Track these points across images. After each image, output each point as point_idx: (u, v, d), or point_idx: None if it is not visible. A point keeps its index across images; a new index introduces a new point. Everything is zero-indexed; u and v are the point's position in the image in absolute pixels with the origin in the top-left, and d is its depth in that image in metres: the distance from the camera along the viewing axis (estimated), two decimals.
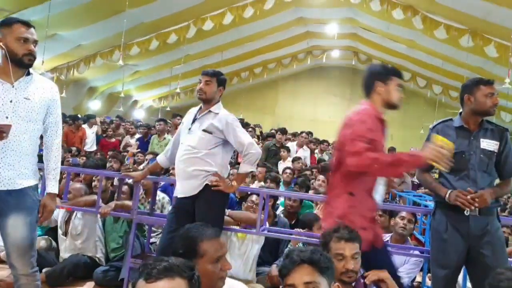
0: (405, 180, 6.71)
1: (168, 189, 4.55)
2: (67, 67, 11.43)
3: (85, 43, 10.56)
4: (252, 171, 4.17)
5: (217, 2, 10.22)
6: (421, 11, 9.60)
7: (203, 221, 1.98)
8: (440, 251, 2.45)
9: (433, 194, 2.70)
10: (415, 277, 3.30)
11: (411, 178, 7.17)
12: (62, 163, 4.86)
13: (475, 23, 9.05)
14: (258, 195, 3.41)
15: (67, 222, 3.80)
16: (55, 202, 2.35)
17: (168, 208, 4.04)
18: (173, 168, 3.81)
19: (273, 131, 9.13)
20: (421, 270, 3.19)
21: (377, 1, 9.71)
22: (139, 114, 16.99)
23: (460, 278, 2.88)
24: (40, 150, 2.33)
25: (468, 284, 2.65)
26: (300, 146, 7.58)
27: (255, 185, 5.38)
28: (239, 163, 4.24)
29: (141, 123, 10.58)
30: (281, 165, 6.68)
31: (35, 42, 2.24)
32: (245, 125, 9.40)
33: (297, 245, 3.34)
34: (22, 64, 2.18)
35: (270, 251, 3.80)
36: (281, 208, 4.46)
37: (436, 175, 2.70)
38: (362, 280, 2.13)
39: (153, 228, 4.00)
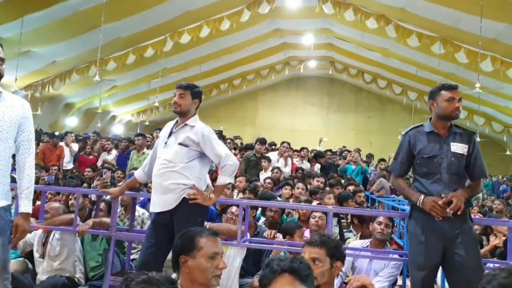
0: (383, 186, 6.80)
1: (147, 205, 4.49)
2: (42, 84, 11.27)
3: (60, 59, 10.44)
4: (230, 183, 4.15)
5: (193, 15, 10.28)
6: (393, 20, 9.88)
7: None
8: (417, 253, 2.49)
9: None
10: (396, 280, 3.33)
11: (389, 183, 7.27)
12: (37, 182, 4.76)
13: (445, 31, 9.36)
14: (238, 206, 3.40)
15: (44, 243, 3.70)
16: (29, 222, 2.30)
17: (148, 223, 3.99)
18: (151, 183, 3.77)
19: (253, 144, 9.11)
20: (401, 273, 3.23)
21: (351, 11, 9.95)
22: (117, 129, 16.80)
23: (438, 278, 2.93)
24: (13, 169, 2.28)
25: (447, 285, 2.70)
26: (281, 155, 7.59)
27: (235, 195, 5.36)
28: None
29: (122, 138, 10.46)
30: (263, 175, 6.67)
31: (2, 60, 2.19)
32: (222, 137, 9.38)
33: (279, 254, 3.34)
34: None
35: (253, 262, 3.78)
36: (263, 219, 4.45)
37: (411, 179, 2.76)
38: (344, 286, 2.14)
39: (133, 245, 3.93)
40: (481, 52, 8.49)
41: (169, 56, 11.88)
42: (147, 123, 16.18)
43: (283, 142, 7.78)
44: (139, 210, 4.09)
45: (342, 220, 4.91)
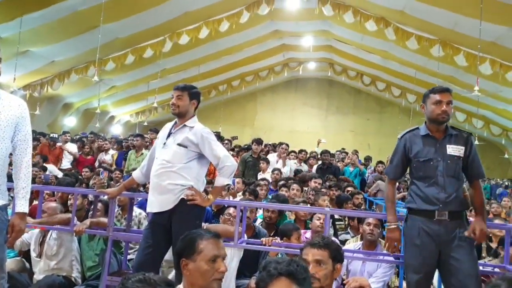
0: (380, 189, 6.80)
1: (145, 205, 4.48)
2: (41, 84, 11.24)
3: (59, 59, 10.42)
4: (228, 184, 4.15)
5: (192, 16, 10.27)
6: (393, 22, 9.88)
7: (180, 236, 1.97)
8: (413, 256, 2.50)
9: (404, 200, 2.76)
10: (389, 280, 3.34)
11: None
12: (34, 180, 4.76)
13: (444, 34, 9.37)
14: (235, 207, 3.39)
15: (41, 243, 3.70)
16: (25, 222, 2.29)
17: (145, 223, 3.99)
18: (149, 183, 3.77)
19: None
20: (398, 276, 3.23)
21: (350, 13, 9.96)
22: (116, 130, 16.78)
23: (435, 281, 2.93)
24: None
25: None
26: (280, 157, 7.57)
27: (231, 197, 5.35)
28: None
29: (123, 138, 10.44)
30: (261, 176, 6.66)
31: None
32: (220, 138, 9.36)
33: (277, 255, 3.33)
34: None
35: (250, 263, 3.77)
36: (259, 220, 4.45)
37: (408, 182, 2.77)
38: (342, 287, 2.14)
39: (130, 245, 3.94)
40: (480, 55, 8.50)
41: (168, 57, 11.87)
42: (145, 123, 16.15)
43: (281, 143, 7.77)
44: (136, 211, 4.09)
45: (340, 222, 4.91)
